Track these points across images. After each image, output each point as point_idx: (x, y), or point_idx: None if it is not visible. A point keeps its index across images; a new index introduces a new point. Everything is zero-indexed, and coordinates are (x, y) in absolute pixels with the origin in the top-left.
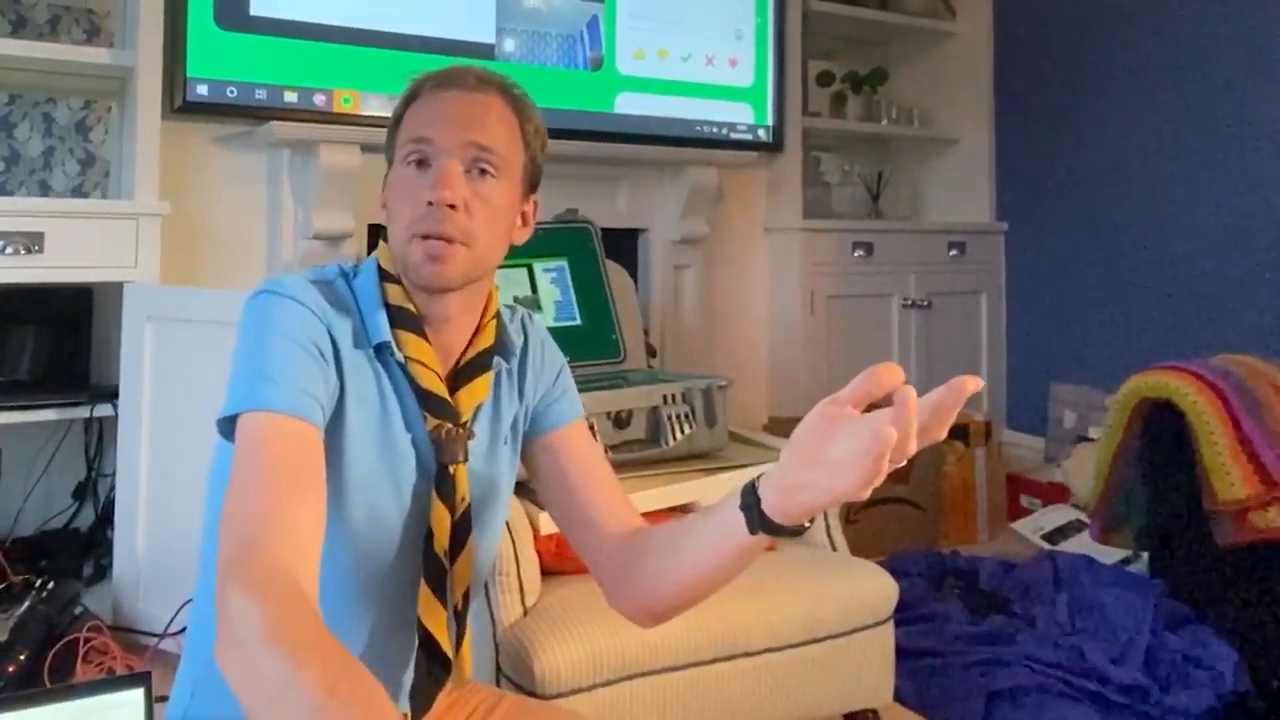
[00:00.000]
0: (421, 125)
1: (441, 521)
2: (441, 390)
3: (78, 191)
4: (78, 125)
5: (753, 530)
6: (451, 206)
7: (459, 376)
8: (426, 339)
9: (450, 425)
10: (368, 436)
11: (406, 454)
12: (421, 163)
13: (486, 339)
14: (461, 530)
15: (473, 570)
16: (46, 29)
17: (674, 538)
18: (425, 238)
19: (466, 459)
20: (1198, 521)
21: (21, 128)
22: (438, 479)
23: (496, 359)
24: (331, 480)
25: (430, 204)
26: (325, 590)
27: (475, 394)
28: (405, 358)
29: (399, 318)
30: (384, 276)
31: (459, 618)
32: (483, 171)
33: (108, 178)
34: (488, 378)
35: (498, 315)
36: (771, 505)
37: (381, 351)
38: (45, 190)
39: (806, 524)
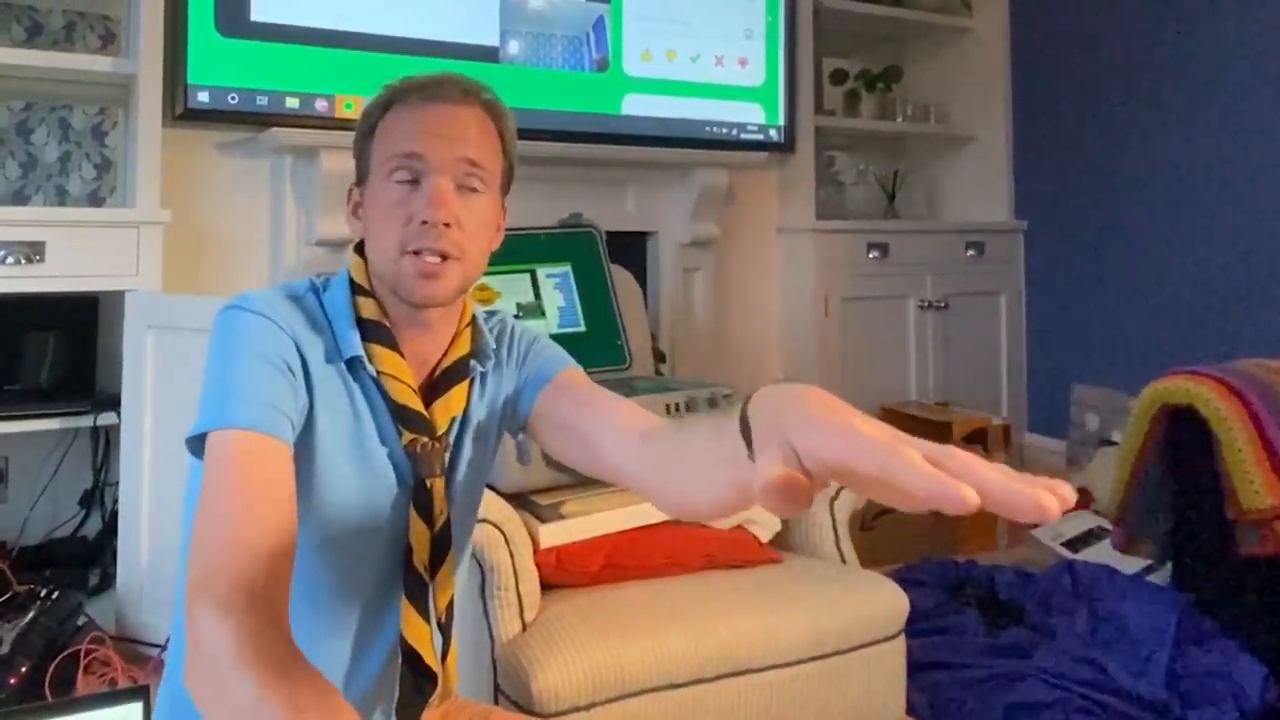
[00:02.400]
0: (409, 140)
1: (420, 536)
2: (416, 404)
3: (93, 196)
4: (93, 131)
5: None
6: (446, 225)
7: (434, 389)
8: (399, 352)
9: (426, 439)
10: (341, 452)
11: (382, 469)
12: (409, 179)
13: (462, 347)
14: (441, 544)
15: (454, 578)
16: (61, 36)
17: (692, 457)
18: (418, 254)
19: (443, 473)
20: (1221, 530)
21: (39, 133)
22: (415, 494)
23: (473, 363)
24: (305, 496)
25: (425, 222)
26: (304, 607)
27: (451, 406)
28: (378, 372)
29: (371, 331)
30: (355, 289)
31: (444, 630)
32: (471, 187)
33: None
34: (464, 387)
35: (473, 321)
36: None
37: (353, 366)
38: (62, 195)
39: None
